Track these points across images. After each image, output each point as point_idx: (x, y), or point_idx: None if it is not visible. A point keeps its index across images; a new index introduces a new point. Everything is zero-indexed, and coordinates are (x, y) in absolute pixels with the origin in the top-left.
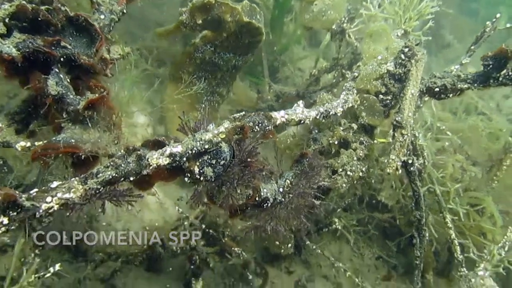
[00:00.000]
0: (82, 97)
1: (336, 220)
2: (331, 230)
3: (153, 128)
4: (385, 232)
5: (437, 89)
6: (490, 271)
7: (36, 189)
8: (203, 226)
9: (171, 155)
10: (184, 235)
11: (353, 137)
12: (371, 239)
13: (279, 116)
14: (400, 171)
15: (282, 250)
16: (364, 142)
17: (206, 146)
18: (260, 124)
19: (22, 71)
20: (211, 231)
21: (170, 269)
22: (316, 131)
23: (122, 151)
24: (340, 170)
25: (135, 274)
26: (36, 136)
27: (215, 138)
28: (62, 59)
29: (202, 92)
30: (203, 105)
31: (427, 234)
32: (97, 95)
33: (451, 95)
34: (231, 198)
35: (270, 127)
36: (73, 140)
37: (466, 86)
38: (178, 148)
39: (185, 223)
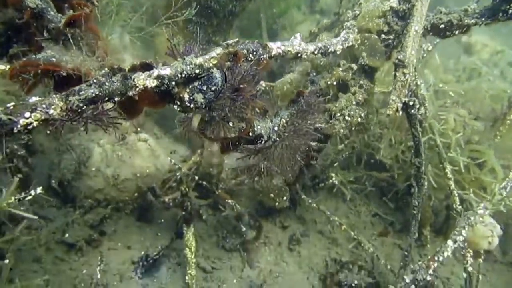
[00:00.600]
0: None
1: (333, 175)
2: (327, 186)
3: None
4: (382, 191)
5: (442, 26)
6: (491, 210)
7: (12, 103)
8: (196, 177)
9: (159, 77)
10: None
11: (352, 80)
12: (367, 197)
13: (275, 46)
14: (400, 112)
15: (277, 203)
16: (364, 85)
17: (197, 71)
18: (254, 52)
19: None
20: (204, 183)
21: (162, 220)
22: (314, 73)
23: (106, 69)
24: (338, 114)
25: (125, 222)
26: (16, 61)
27: (206, 63)
28: None
29: (197, 40)
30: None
31: (425, 183)
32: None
33: (457, 32)
34: (223, 129)
35: (265, 56)
36: (53, 59)
37: (473, 21)
38: (166, 71)
39: (178, 174)
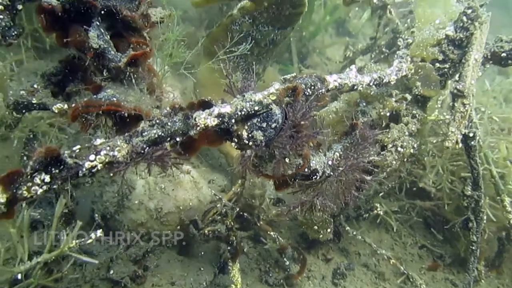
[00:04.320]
0: (124, 54)
1: (378, 205)
2: (371, 217)
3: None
4: (427, 221)
5: (504, 54)
6: None
7: (78, 146)
8: (237, 209)
9: (219, 115)
10: (218, 215)
11: (405, 110)
12: (412, 227)
13: (332, 79)
14: (460, 144)
15: (321, 236)
16: (417, 115)
17: (256, 108)
18: (312, 87)
19: (61, 25)
20: (245, 214)
21: (202, 253)
22: (364, 103)
23: (168, 109)
24: (390, 146)
25: (168, 256)
26: (72, 99)
27: (265, 99)
28: (102, 11)
29: (237, 70)
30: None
31: (484, 217)
32: (139, 51)
33: None
34: (282, 166)
35: (323, 90)
36: (115, 98)
37: None
38: (227, 108)
39: (218, 205)
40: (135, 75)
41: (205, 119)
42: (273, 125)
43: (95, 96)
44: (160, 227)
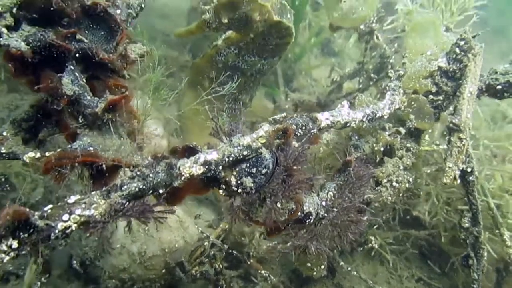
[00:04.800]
0: (101, 98)
1: (372, 238)
2: (365, 250)
3: (167, 139)
4: (421, 252)
5: (499, 87)
6: None
7: (50, 206)
8: (226, 246)
9: (205, 163)
10: (206, 257)
11: (399, 144)
12: (408, 259)
13: (324, 118)
14: (458, 180)
15: (315, 273)
16: (411, 148)
17: (245, 153)
18: (304, 127)
19: (32, 69)
20: (234, 252)
21: None
22: (356, 137)
23: (149, 159)
24: (385, 181)
25: None
26: (45, 145)
27: (254, 143)
28: (77, 54)
29: (224, 100)
30: (225, 114)
31: (485, 254)
32: (117, 95)
33: None
34: (273, 213)
35: (315, 130)
36: (91, 148)
37: None
38: (213, 155)
39: (205, 243)
40: (113, 121)
41: (190, 167)
42: (264, 171)
43: (69, 146)
44: (144, 272)
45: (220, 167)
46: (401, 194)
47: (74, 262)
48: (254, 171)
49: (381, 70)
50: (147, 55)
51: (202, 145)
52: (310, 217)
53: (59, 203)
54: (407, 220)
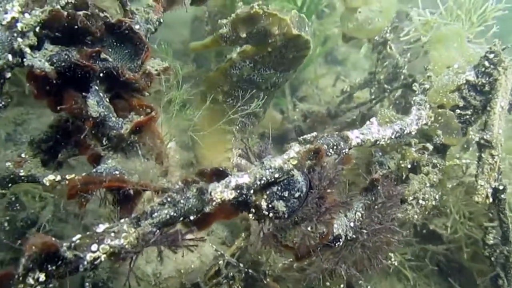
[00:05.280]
0: (125, 119)
1: (391, 255)
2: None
3: (180, 153)
4: (439, 267)
5: None
6: None
7: (78, 235)
8: (241, 265)
9: (237, 187)
10: (224, 277)
11: (425, 160)
12: (427, 276)
13: (354, 136)
14: (491, 199)
15: None
16: (438, 165)
17: (276, 175)
18: (335, 147)
19: (55, 90)
20: (250, 271)
21: None
22: (380, 153)
23: (179, 183)
24: (411, 198)
25: None
26: (62, 167)
27: (285, 165)
28: (101, 74)
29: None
30: (238, 127)
31: None
32: (143, 116)
33: None
34: (305, 238)
35: (346, 150)
36: (117, 172)
37: None
38: (244, 178)
39: (220, 262)
40: (139, 143)
41: (221, 192)
42: (297, 194)
43: (94, 169)
44: None
45: (252, 191)
46: (427, 212)
47: (87, 284)
48: (286, 195)
49: (393, 80)
50: (166, 71)
51: (231, 168)
52: (340, 239)
53: (88, 232)
54: (424, 234)
